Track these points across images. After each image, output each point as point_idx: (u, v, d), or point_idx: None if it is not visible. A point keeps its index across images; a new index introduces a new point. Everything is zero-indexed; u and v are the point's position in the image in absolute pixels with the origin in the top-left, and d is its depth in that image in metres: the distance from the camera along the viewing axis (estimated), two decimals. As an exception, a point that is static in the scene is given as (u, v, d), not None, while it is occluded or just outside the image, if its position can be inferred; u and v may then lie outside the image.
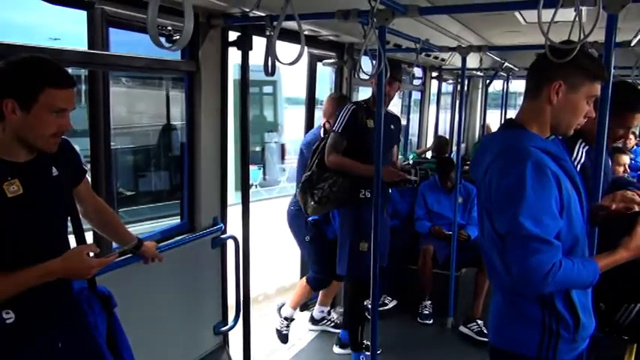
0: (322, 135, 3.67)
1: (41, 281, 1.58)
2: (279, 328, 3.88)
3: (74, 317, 1.78)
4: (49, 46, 2.05)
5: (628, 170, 4.36)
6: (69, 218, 1.79)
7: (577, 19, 1.55)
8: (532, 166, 1.48)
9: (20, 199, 1.55)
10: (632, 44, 3.24)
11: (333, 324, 4.05)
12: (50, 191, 1.66)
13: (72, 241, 1.81)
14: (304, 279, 3.91)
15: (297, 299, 3.91)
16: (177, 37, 2.51)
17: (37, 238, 1.63)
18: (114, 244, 2.31)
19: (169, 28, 2.50)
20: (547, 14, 1.67)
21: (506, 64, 5.46)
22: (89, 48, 2.22)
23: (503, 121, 1.81)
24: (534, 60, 1.64)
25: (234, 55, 2.95)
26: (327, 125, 3.71)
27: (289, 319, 3.88)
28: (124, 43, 2.49)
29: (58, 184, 1.70)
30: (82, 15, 2.22)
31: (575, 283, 1.55)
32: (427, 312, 4.21)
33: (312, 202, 3.32)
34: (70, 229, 1.81)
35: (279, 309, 3.94)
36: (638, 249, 1.60)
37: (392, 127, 3.47)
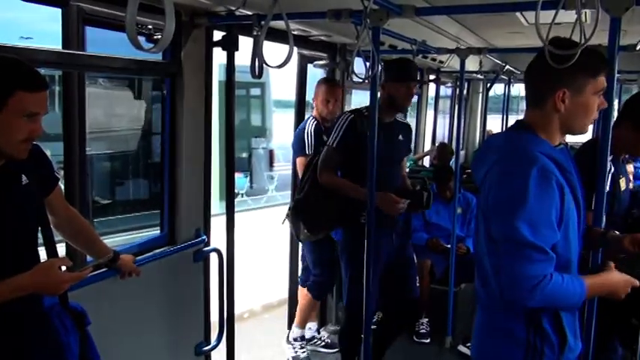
0: (310, 124, 3.67)
1: (9, 297, 1.56)
2: (294, 355, 3.87)
3: (44, 336, 1.77)
4: (20, 46, 2.05)
5: (631, 179, 4.41)
6: (39, 229, 1.79)
7: (578, 21, 1.57)
8: (537, 171, 1.49)
9: None
10: (638, 48, 3.29)
11: (323, 343, 4.04)
12: (19, 201, 1.66)
13: (42, 253, 1.81)
14: (304, 290, 3.88)
15: (302, 314, 3.89)
16: (159, 36, 2.52)
17: (4, 251, 1.61)
18: (88, 258, 2.30)
19: (150, 27, 2.51)
20: (549, 16, 1.69)
21: (507, 67, 5.52)
22: (64, 47, 2.22)
23: (508, 124, 1.84)
24: (529, 67, 1.66)
25: (219, 55, 2.96)
26: (315, 113, 3.73)
27: (300, 339, 3.88)
28: (102, 40, 2.49)
29: (28, 193, 1.69)
30: (57, 12, 2.22)
31: (563, 300, 1.56)
32: (424, 330, 4.22)
33: (305, 230, 3.17)
34: (40, 240, 1.80)
35: (287, 337, 3.93)
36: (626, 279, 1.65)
37: (400, 137, 3.22)
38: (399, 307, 3.34)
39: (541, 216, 1.49)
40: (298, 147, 3.69)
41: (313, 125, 3.69)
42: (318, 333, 4.08)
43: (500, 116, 7.69)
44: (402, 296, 3.28)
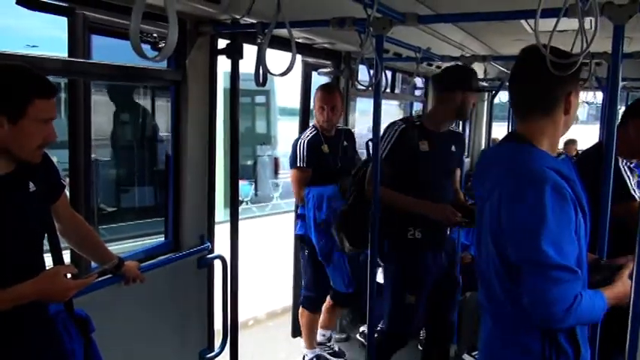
0: (307, 135, 3.62)
1: (13, 305, 1.58)
2: None
3: (48, 342, 1.78)
4: (27, 54, 2.09)
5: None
6: (45, 236, 1.81)
7: (580, 29, 1.58)
8: (551, 189, 1.47)
9: None
10: (643, 55, 3.29)
11: (331, 351, 4.01)
12: (27, 207, 1.69)
13: (48, 260, 1.82)
14: (301, 308, 3.84)
15: (306, 333, 3.84)
16: (163, 44, 2.55)
17: (11, 257, 1.64)
18: (93, 264, 2.32)
19: (154, 35, 2.54)
20: (552, 23, 1.70)
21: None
22: (69, 55, 2.25)
23: (506, 134, 1.83)
24: (531, 73, 1.63)
25: (224, 63, 2.99)
26: (315, 122, 3.66)
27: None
28: (106, 47, 2.52)
29: (35, 200, 1.72)
30: (63, 19, 2.25)
31: (591, 317, 1.56)
32: (429, 339, 4.19)
33: (348, 244, 3.10)
34: (46, 247, 1.82)
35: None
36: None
37: (453, 148, 3.10)
38: (436, 325, 3.22)
39: (563, 234, 1.47)
40: (292, 159, 3.64)
41: (310, 136, 3.61)
42: (329, 340, 4.02)
43: (506, 124, 7.67)
44: (441, 315, 3.17)
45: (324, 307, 3.89)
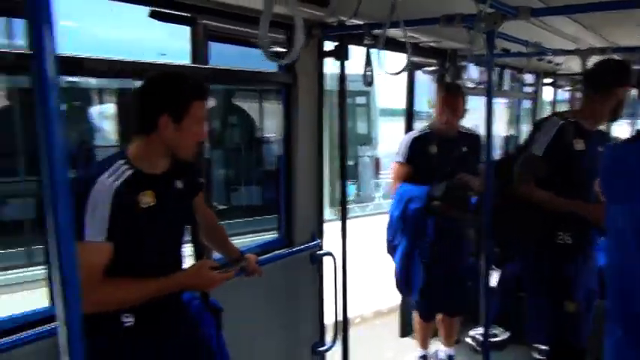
0: (414, 133, 3.55)
1: (169, 291, 1.79)
2: None
3: (187, 326, 1.95)
4: (156, 62, 2.32)
5: None
6: (186, 230, 2.01)
7: None
8: None
9: (151, 210, 1.75)
10: None
11: None
12: (176, 203, 1.87)
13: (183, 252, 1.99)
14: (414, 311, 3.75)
15: (418, 336, 3.77)
16: (275, 48, 2.67)
17: (160, 249, 1.83)
18: (215, 255, 2.46)
19: (265, 40, 2.65)
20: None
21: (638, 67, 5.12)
22: (193, 62, 2.42)
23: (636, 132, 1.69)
24: None
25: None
26: (432, 123, 3.53)
27: (422, 358, 3.77)
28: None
29: (182, 196, 1.91)
30: (176, 29, 2.42)
31: None
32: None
33: (496, 248, 2.96)
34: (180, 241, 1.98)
35: None
36: None
37: (599, 148, 2.81)
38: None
39: None
40: (396, 152, 3.58)
41: (418, 134, 3.51)
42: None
43: (631, 121, 7.05)
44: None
45: (437, 320, 3.75)
